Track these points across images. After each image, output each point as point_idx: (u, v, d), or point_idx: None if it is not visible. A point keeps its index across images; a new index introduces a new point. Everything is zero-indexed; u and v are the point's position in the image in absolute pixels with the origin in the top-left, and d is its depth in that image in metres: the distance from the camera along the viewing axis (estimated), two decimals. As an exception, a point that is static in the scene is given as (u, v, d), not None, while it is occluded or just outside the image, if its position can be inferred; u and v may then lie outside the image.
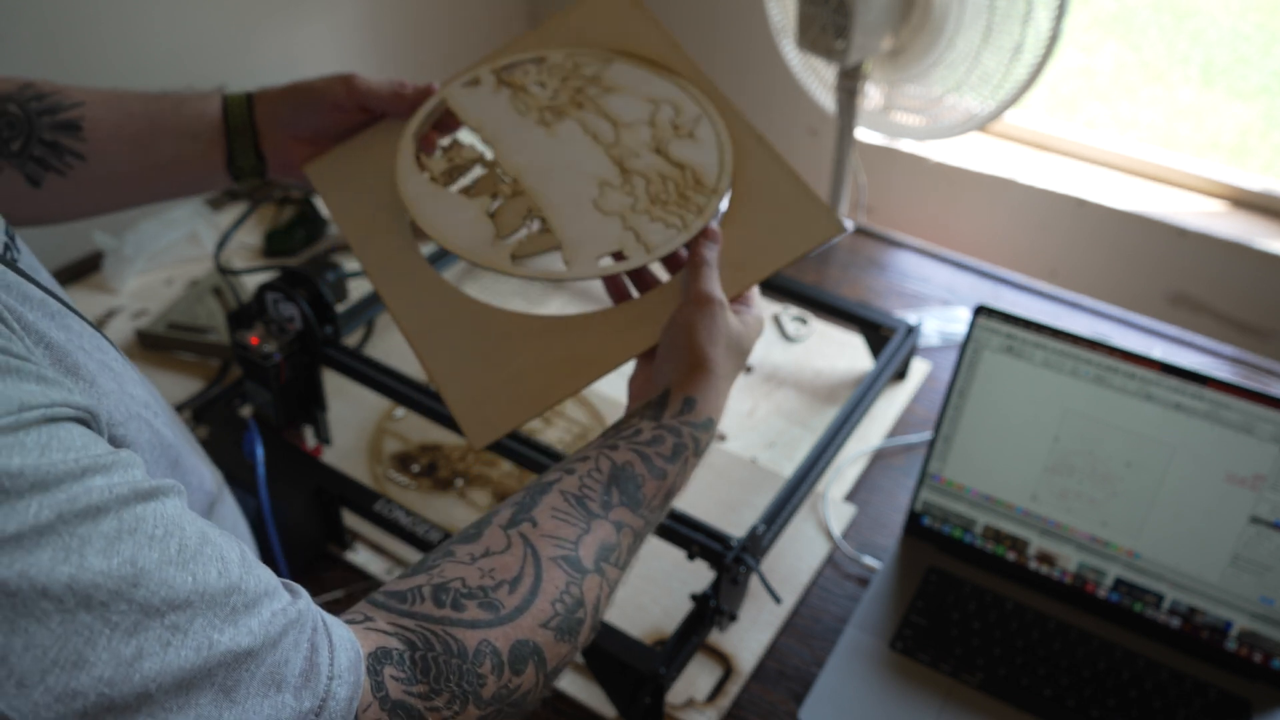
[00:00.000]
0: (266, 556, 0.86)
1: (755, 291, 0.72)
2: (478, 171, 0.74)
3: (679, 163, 0.73)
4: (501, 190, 0.73)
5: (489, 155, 0.75)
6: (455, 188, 0.73)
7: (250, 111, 0.76)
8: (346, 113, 0.77)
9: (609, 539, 0.54)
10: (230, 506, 0.70)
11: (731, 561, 0.79)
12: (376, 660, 0.45)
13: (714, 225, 0.70)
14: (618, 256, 0.70)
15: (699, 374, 0.64)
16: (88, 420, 0.40)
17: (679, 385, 0.64)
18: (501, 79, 0.77)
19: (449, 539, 0.53)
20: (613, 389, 1.12)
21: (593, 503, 0.55)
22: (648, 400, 0.64)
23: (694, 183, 0.72)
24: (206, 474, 0.64)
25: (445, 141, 0.78)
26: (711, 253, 0.69)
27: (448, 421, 0.93)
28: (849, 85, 1.29)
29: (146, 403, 0.54)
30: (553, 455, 0.88)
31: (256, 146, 0.76)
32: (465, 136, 0.77)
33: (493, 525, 0.53)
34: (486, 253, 0.70)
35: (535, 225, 0.71)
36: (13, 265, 0.47)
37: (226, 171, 0.77)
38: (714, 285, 0.67)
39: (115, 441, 0.47)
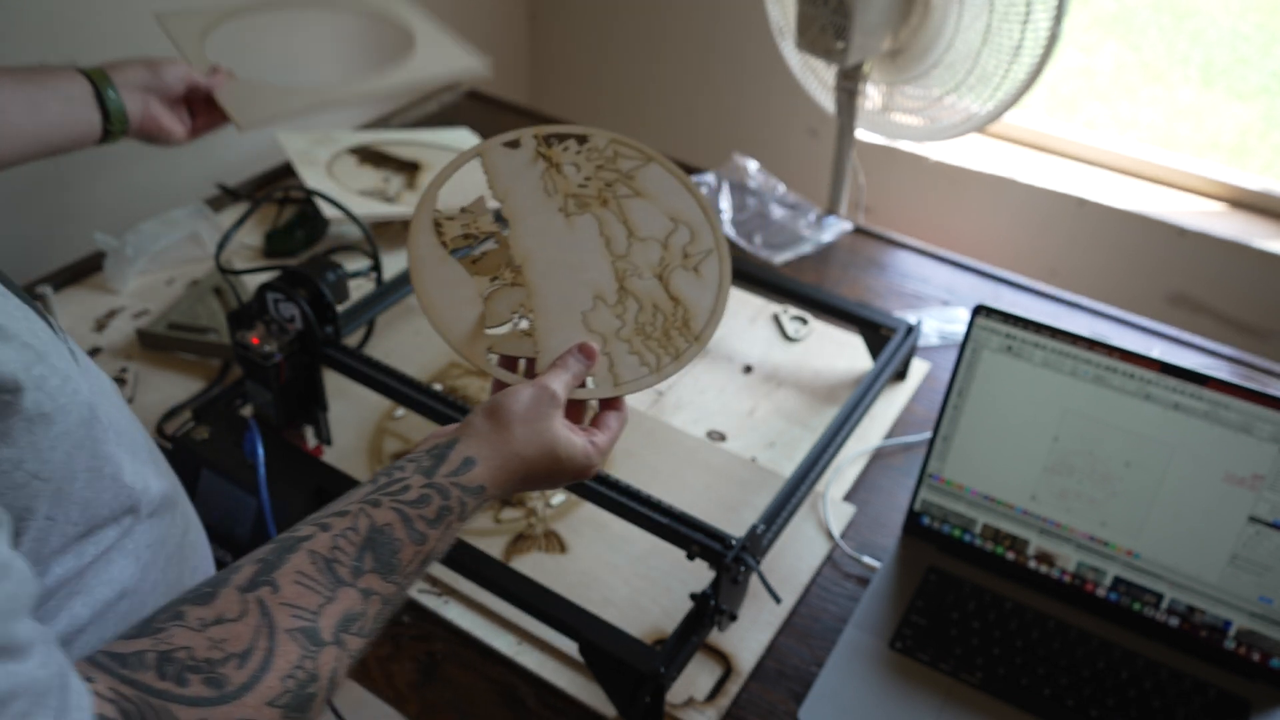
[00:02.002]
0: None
1: (618, 422, 0.69)
2: (489, 245, 0.72)
3: (676, 297, 0.71)
4: (504, 274, 0.71)
5: (505, 230, 0.73)
6: (463, 254, 0.72)
7: (102, 70, 0.99)
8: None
9: (354, 608, 0.51)
10: (173, 504, 0.64)
11: (731, 561, 0.79)
12: None
13: (595, 346, 0.69)
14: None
15: (495, 441, 0.61)
16: None
17: (467, 442, 0.61)
18: (540, 150, 0.74)
19: (182, 596, 0.49)
20: (613, 389, 1.13)
21: (342, 568, 0.51)
22: (433, 445, 0.61)
23: (682, 324, 0.70)
24: (140, 477, 0.59)
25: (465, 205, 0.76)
26: (579, 365, 0.68)
27: (448, 421, 0.93)
28: (849, 86, 1.29)
29: (75, 389, 0.51)
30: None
31: (119, 101, 0.99)
32: (492, 202, 0.75)
33: (230, 587, 0.49)
34: (466, 341, 0.69)
35: (523, 323, 0.70)
36: None
37: (99, 111, 0.98)
38: (561, 382, 0.66)
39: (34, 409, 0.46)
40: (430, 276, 0.70)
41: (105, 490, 0.53)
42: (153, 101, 1.02)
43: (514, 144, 0.74)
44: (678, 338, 0.70)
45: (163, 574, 0.60)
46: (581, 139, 0.76)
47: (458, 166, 0.74)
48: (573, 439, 0.65)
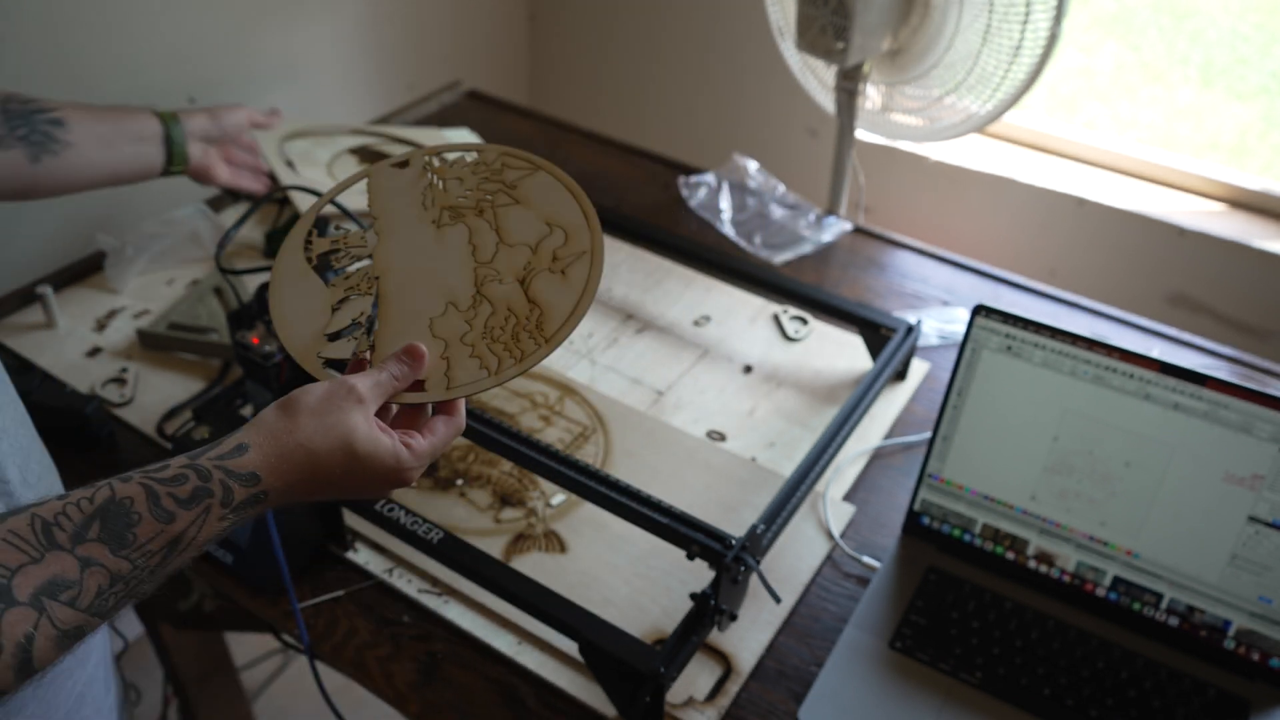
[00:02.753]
0: (268, 557, 0.86)
1: (446, 430, 0.66)
2: (364, 263, 0.72)
3: (535, 301, 0.69)
4: (361, 287, 0.71)
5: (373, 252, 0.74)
6: (335, 275, 0.72)
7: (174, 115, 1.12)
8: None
9: (66, 575, 0.49)
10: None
11: (731, 561, 0.79)
12: None
13: (426, 350, 0.66)
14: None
15: (276, 430, 0.58)
16: None
17: (246, 431, 0.58)
18: (427, 167, 0.75)
19: None
20: (613, 389, 1.13)
21: (61, 533, 0.49)
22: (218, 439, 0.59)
23: (535, 326, 0.68)
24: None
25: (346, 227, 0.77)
26: (398, 368, 0.64)
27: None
28: (848, 86, 1.29)
29: None
30: (552, 455, 0.88)
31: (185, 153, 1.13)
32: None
33: None
34: (301, 347, 0.68)
35: (368, 332, 0.69)
36: None
37: (163, 147, 1.12)
38: (367, 381, 0.62)
39: None
40: (284, 290, 0.71)
41: None
42: (210, 150, 1.18)
43: (403, 164, 0.76)
44: (527, 340, 0.68)
45: None
46: (476, 153, 0.76)
47: (345, 187, 0.76)
48: (376, 436, 0.60)
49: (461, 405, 0.67)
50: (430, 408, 0.67)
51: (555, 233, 0.72)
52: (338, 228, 0.73)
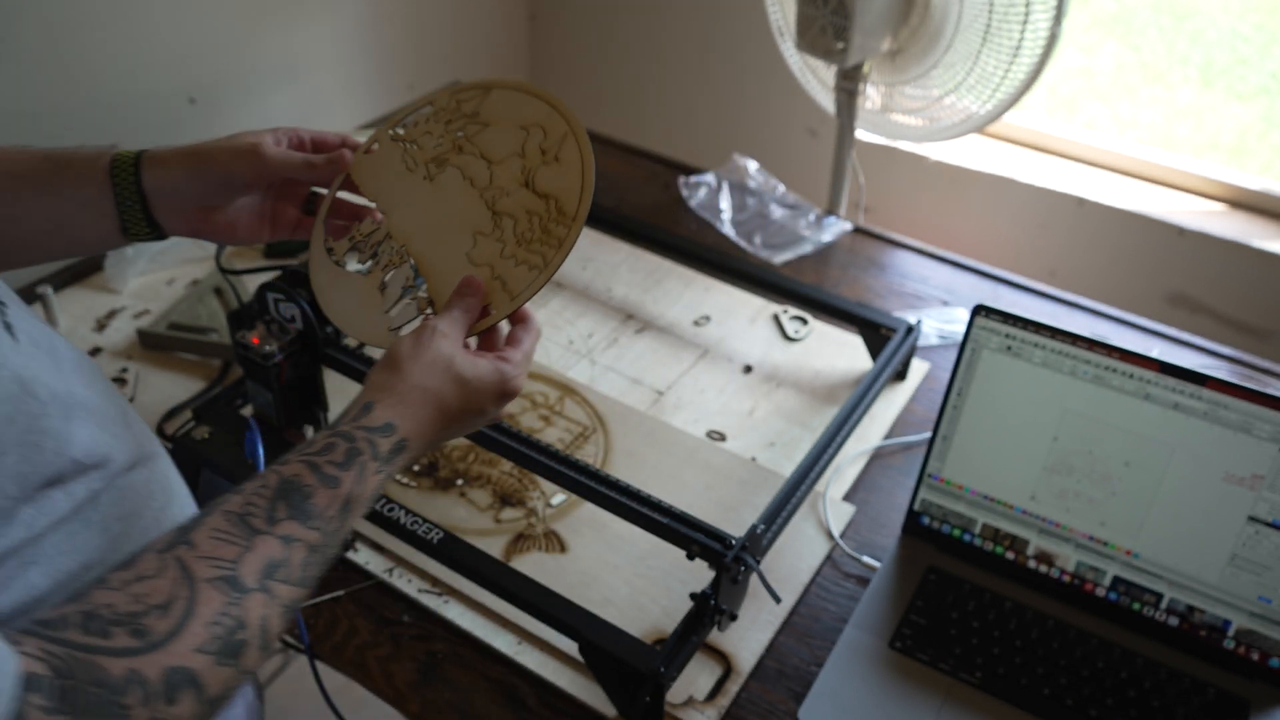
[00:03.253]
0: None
1: (519, 349, 0.69)
2: (387, 245, 0.74)
3: (545, 193, 0.72)
4: (393, 260, 0.73)
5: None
6: (359, 267, 0.74)
7: (138, 176, 0.70)
8: (251, 186, 0.73)
9: (275, 555, 0.52)
10: (148, 478, 0.63)
11: (731, 561, 0.79)
12: (23, 686, 0.42)
13: (479, 276, 0.70)
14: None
15: (390, 382, 0.63)
16: None
17: (364, 392, 0.63)
18: (395, 136, 0.77)
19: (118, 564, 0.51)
20: (613, 389, 1.13)
21: (256, 519, 0.53)
22: (355, 409, 0.62)
23: (556, 213, 0.71)
24: (92, 442, 0.57)
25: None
26: (464, 300, 0.68)
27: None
28: (848, 86, 1.29)
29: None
30: (552, 455, 0.89)
31: (147, 213, 0.71)
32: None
33: (149, 551, 0.50)
34: (372, 331, 0.71)
35: (420, 291, 0.72)
36: None
37: (121, 235, 0.72)
38: (445, 320, 0.66)
39: None
40: (335, 298, 0.73)
41: (46, 465, 0.54)
42: (204, 211, 0.74)
43: (370, 149, 0.77)
44: (556, 228, 0.71)
45: (138, 547, 0.60)
46: (429, 105, 0.78)
47: (332, 195, 0.77)
48: (475, 360, 0.65)
49: (531, 312, 0.71)
50: (503, 328, 0.71)
51: (532, 130, 0.74)
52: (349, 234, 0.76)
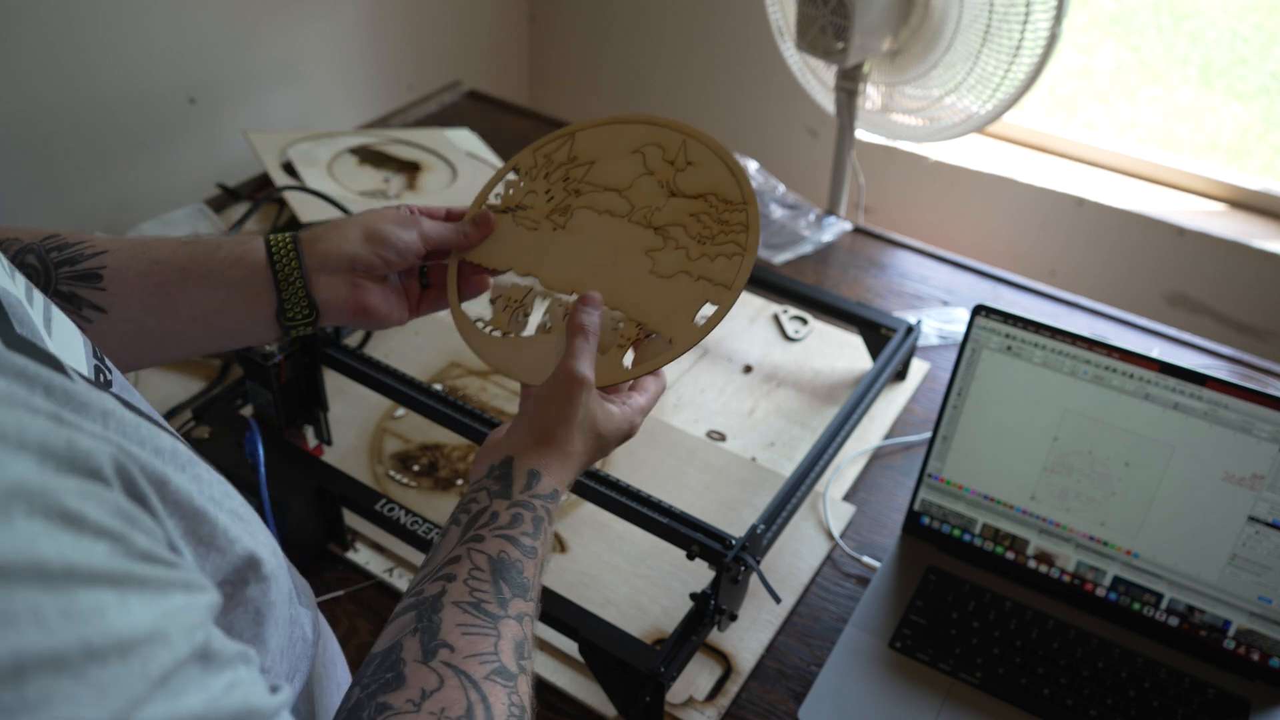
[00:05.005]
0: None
1: (656, 384, 0.71)
2: (541, 304, 0.74)
3: (698, 194, 0.71)
4: (569, 308, 0.71)
5: (537, 285, 0.74)
6: (531, 329, 0.73)
7: (298, 253, 0.69)
8: (414, 256, 0.73)
9: (518, 635, 0.54)
10: (322, 647, 0.60)
11: (731, 561, 0.79)
12: None
13: (594, 293, 0.70)
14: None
15: (547, 449, 0.64)
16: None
17: (524, 456, 0.63)
18: (494, 209, 0.76)
19: (366, 688, 0.50)
20: (613, 389, 1.13)
21: (490, 604, 0.54)
22: (490, 468, 0.63)
23: (723, 204, 0.71)
24: (305, 619, 0.56)
25: (489, 294, 0.77)
26: (589, 318, 0.68)
27: (448, 421, 0.93)
28: (848, 86, 1.29)
29: (274, 550, 0.49)
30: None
31: (309, 294, 0.69)
32: (505, 279, 0.76)
33: (409, 664, 0.51)
34: (603, 376, 0.69)
35: (621, 323, 0.71)
36: (127, 403, 0.41)
37: (276, 323, 0.69)
38: (584, 363, 0.66)
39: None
40: (527, 365, 0.71)
41: (298, 644, 0.53)
42: (362, 290, 0.72)
43: (480, 231, 0.75)
44: (732, 215, 0.70)
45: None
46: (514, 175, 0.78)
47: (455, 265, 0.75)
48: (611, 413, 0.67)
49: (662, 370, 0.72)
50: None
51: (647, 150, 0.74)
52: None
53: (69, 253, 0.65)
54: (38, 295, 0.46)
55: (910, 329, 1.11)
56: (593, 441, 0.66)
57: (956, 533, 0.93)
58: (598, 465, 0.99)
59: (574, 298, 0.71)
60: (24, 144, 1.36)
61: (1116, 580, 0.88)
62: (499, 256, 0.75)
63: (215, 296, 0.67)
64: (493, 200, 0.77)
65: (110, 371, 0.49)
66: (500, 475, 0.62)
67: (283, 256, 0.68)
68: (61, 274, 0.65)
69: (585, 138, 0.76)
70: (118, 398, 0.41)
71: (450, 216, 0.77)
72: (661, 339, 0.70)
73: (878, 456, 1.07)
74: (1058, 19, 1.13)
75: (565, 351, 0.67)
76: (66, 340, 0.45)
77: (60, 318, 0.47)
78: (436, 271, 0.77)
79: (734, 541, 0.81)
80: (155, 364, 0.71)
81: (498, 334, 0.74)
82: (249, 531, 0.44)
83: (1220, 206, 1.68)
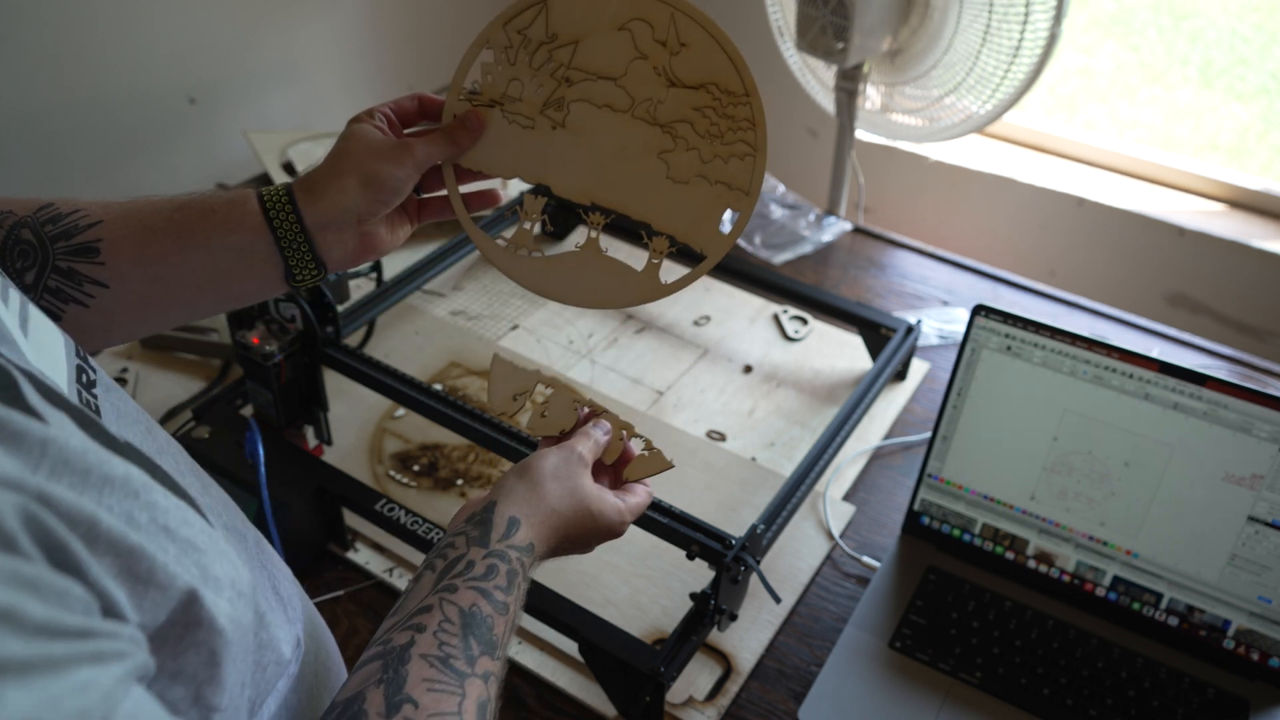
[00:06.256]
0: (268, 556, 0.86)
1: (646, 494, 0.69)
2: (544, 390, 0.72)
3: (699, 84, 0.67)
4: (595, 220, 0.69)
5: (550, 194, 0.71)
6: (568, 245, 0.71)
7: (297, 211, 0.65)
8: (409, 186, 0.68)
9: (482, 695, 0.52)
10: (302, 672, 0.57)
11: (731, 561, 0.79)
12: None
13: (604, 424, 0.69)
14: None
15: (531, 497, 0.62)
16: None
17: (507, 501, 0.61)
18: (477, 102, 0.70)
19: None
20: (613, 389, 1.13)
21: (458, 661, 0.53)
22: (471, 514, 0.61)
23: (725, 95, 0.67)
24: (283, 637, 0.53)
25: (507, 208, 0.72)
26: (601, 433, 0.68)
27: (448, 421, 0.93)
28: (848, 86, 1.29)
29: (234, 580, 0.45)
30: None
31: (315, 254, 0.66)
32: (515, 186, 0.72)
33: (370, 716, 0.49)
34: (642, 291, 0.69)
35: (650, 236, 0.68)
36: (89, 420, 0.40)
37: (284, 282, 0.67)
38: (584, 447, 0.66)
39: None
40: (566, 283, 0.70)
41: (268, 681, 0.51)
42: (367, 235, 0.69)
43: (473, 99, 0.70)
44: (737, 109, 0.67)
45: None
46: (482, 64, 0.71)
47: (452, 170, 0.71)
48: (604, 495, 0.66)
49: (648, 481, 0.71)
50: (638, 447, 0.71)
51: (634, 28, 0.68)
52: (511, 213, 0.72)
53: (64, 225, 0.63)
54: (14, 294, 0.45)
55: (910, 329, 1.11)
56: (582, 517, 0.64)
57: (956, 533, 0.93)
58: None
59: (587, 208, 0.69)
60: (24, 144, 1.36)
61: (1116, 580, 0.88)
62: (498, 161, 0.70)
63: (219, 263, 0.65)
64: (471, 89, 0.70)
65: (94, 371, 0.47)
66: (481, 520, 0.60)
67: (281, 217, 0.65)
68: (58, 249, 0.62)
69: (561, 5, 0.68)
70: (80, 413, 0.39)
71: (425, 107, 0.71)
72: (659, 454, 0.70)
73: (878, 456, 1.07)
74: (1057, 19, 1.13)
75: (575, 435, 0.68)
76: (44, 341, 0.44)
77: (38, 318, 0.46)
78: (432, 177, 0.72)
79: (734, 541, 0.81)
80: (166, 329, 0.70)
81: (523, 253, 0.70)
82: (203, 562, 0.41)
83: (1220, 206, 1.68)
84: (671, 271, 0.69)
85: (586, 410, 0.70)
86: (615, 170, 0.69)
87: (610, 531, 0.66)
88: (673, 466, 0.70)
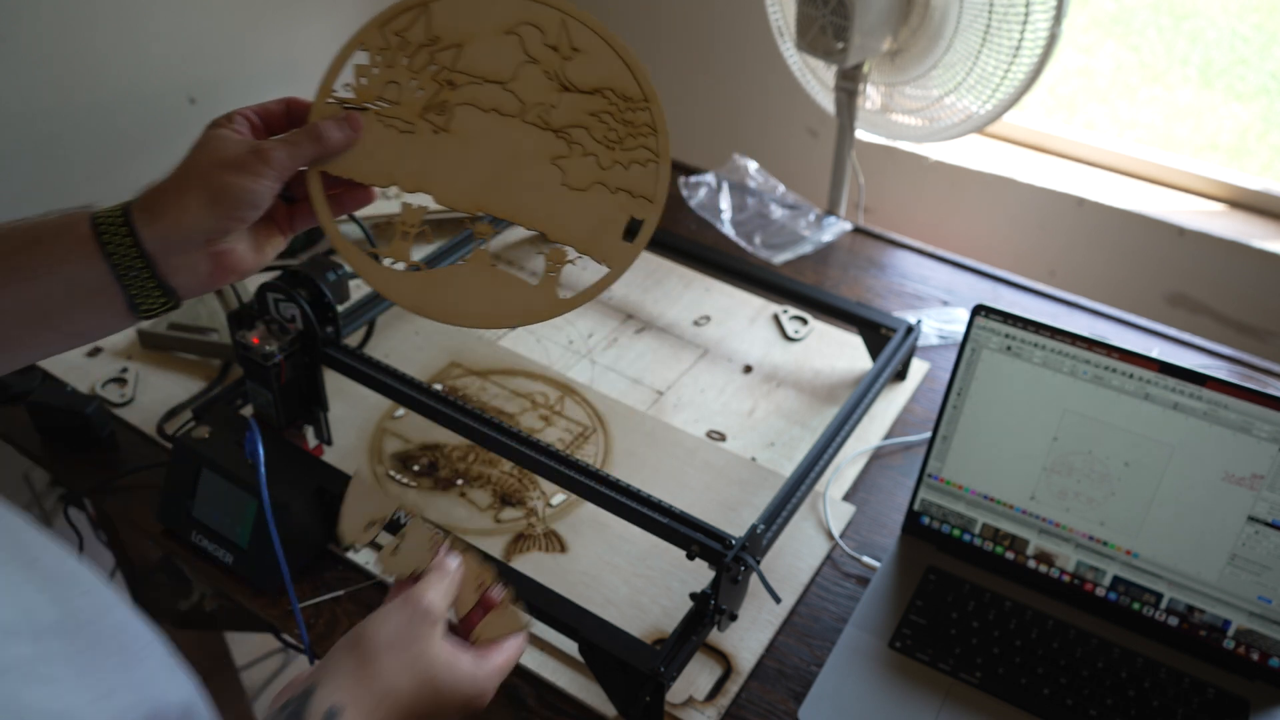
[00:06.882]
0: (268, 556, 0.87)
1: (517, 645, 0.61)
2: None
3: (594, 89, 0.63)
4: (481, 231, 0.64)
5: (432, 204, 0.65)
6: (445, 257, 0.65)
7: (134, 234, 0.57)
8: (269, 199, 0.60)
9: None
10: None
11: (731, 561, 0.79)
12: None
13: (452, 553, 0.61)
14: (627, 232, 0.64)
15: (360, 677, 0.54)
16: None
17: (328, 685, 0.53)
18: (349, 105, 0.65)
19: None
20: (613, 389, 1.13)
21: None
22: (287, 700, 0.53)
23: (623, 100, 0.63)
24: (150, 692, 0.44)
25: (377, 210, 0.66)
26: (454, 562, 0.60)
27: (448, 421, 0.93)
28: (848, 86, 1.29)
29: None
30: (552, 455, 0.88)
31: (160, 280, 0.58)
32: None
33: None
34: (532, 308, 0.64)
35: (546, 247, 0.65)
36: None
37: (130, 315, 0.59)
38: (437, 594, 0.57)
39: None
40: (446, 298, 0.64)
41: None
42: (223, 255, 0.61)
43: (341, 102, 0.65)
44: (636, 115, 0.63)
45: None
46: (357, 66, 0.66)
47: (316, 177, 0.64)
48: (455, 664, 0.56)
49: (526, 632, 0.62)
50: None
51: (523, 31, 0.64)
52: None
53: None
54: None
55: (910, 329, 1.11)
56: (426, 692, 0.55)
57: (956, 533, 0.93)
58: (597, 465, 0.99)
59: (476, 216, 0.63)
60: (25, 145, 1.36)
61: (1116, 580, 0.88)
62: (373, 168, 0.64)
63: (51, 298, 0.57)
64: (343, 93, 0.65)
65: None
66: (294, 712, 0.51)
67: (116, 242, 0.57)
68: None
69: (443, 9, 0.64)
70: None
71: (292, 110, 0.64)
72: (516, 612, 0.62)
73: (877, 456, 1.07)
74: (1057, 19, 1.13)
75: (425, 575, 0.59)
76: None
77: None
78: (301, 180, 0.64)
79: (734, 541, 0.81)
80: (3, 373, 0.61)
81: (402, 267, 0.64)
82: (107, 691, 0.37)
83: (1220, 206, 1.67)
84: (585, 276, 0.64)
85: (447, 546, 0.62)
86: (506, 177, 0.64)
87: (467, 704, 0.57)
88: (529, 629, 0.63)
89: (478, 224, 0.65)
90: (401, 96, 0.65)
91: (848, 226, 1.41)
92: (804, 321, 1.24)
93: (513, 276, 0.65)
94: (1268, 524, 0.81)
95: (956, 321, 1.24)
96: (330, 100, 0.65)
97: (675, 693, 0.83)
